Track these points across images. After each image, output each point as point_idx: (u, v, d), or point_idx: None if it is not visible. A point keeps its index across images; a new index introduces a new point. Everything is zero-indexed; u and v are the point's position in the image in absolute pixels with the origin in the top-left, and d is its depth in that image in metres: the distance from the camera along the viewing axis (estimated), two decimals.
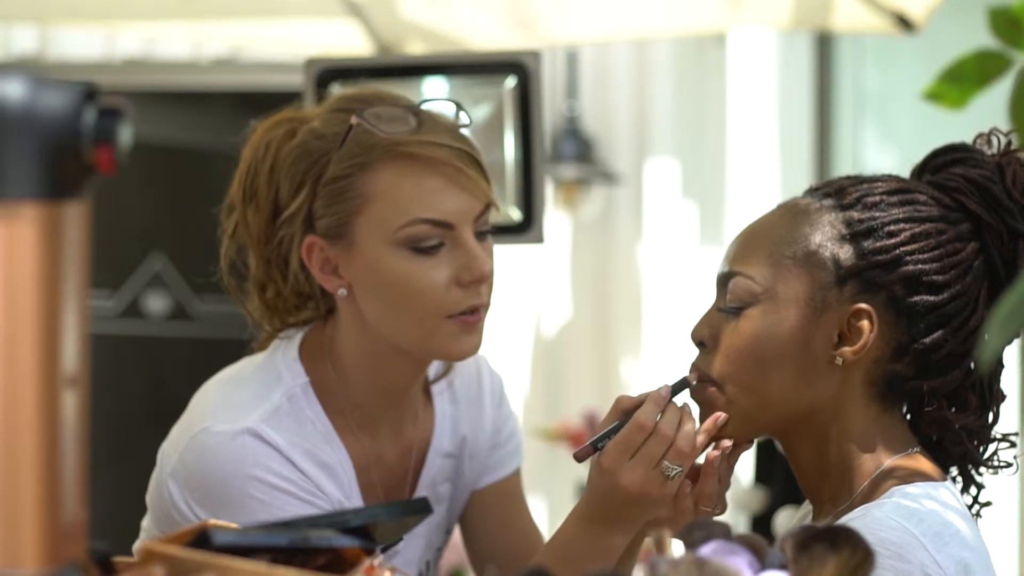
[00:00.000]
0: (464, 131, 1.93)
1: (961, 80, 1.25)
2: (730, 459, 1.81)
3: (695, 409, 1.80)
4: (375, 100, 1.92)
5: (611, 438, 1.77)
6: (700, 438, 1.77)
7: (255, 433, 1.88)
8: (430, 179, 1.87)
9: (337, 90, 2.26)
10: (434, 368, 2.04)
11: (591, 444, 1.79)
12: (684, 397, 1.81)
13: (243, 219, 1.94)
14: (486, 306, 1.90)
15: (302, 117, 1.95)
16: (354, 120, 1.87)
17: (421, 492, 2.01)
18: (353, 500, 1.94)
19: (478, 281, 1.88)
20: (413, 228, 1.86)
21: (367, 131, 1.87)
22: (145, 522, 1.98)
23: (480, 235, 1.89)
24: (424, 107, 1.93)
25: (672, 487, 1.76)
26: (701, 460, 1.81)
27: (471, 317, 1.88)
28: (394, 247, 1.87)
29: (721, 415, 1.77)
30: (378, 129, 1.87)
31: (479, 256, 1.87)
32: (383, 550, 1.83)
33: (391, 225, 1.86)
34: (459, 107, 1.94)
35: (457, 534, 2.14)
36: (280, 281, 1.94)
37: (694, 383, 1.79)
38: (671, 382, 1.80)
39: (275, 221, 1.92)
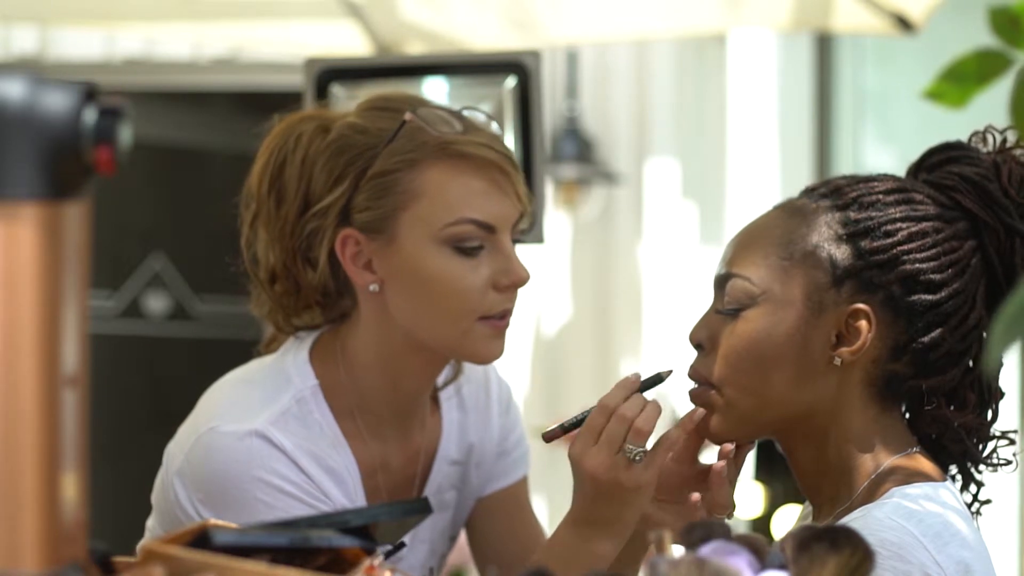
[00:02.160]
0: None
1: (961, 79, 1.25)
2: (736, 462, 1.81)
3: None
4: (414, 102, 1.93)
5: (580, 423, 1.78)
6: (676, 432, 1.77)
7: (262, 435, 1.87)
8: (478, 180, 1.88)
9: (337, 90, 2.26)
10: (443, 374, 2.04)
11: (560, 426, 1.80)
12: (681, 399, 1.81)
13: (265, 211, 1.93)
14: (512, 312, 1.92)
15: (331, 115, 1.95)
16: (408, 116, 1.88)
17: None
18: (358, 505, 1.94)
19: (515, 285, 1.89)
20: (459, 227, 1.87)
21: (419, 128, 1.88)
22: (150, 522, 1.97)
23: (512, 242, 1.91)
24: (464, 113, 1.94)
25: (641, 474, 1.75)
26: (710, 461, 1.81)
27: (501, 321, 1.90)
28: (437, 245, 1.87)
29: (699, 410, 1.77)
30: (432, 127, 1.88)
31: (517, 261, 1.89)
32: (388, 556, 1.82)
33: (437, 223, 1.87)
34: (489, 117, 1.96)
35: (461, 535, 2.13)
36: (302, 275, 1.92)
37: (667, 378, 1.80)
38: (645, 375, 1.81)
39: (304, 214, 1.91)
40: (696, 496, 1.79)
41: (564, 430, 1.80)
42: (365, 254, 1.89)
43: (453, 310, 1.88)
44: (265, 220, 1.93)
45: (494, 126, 1.95)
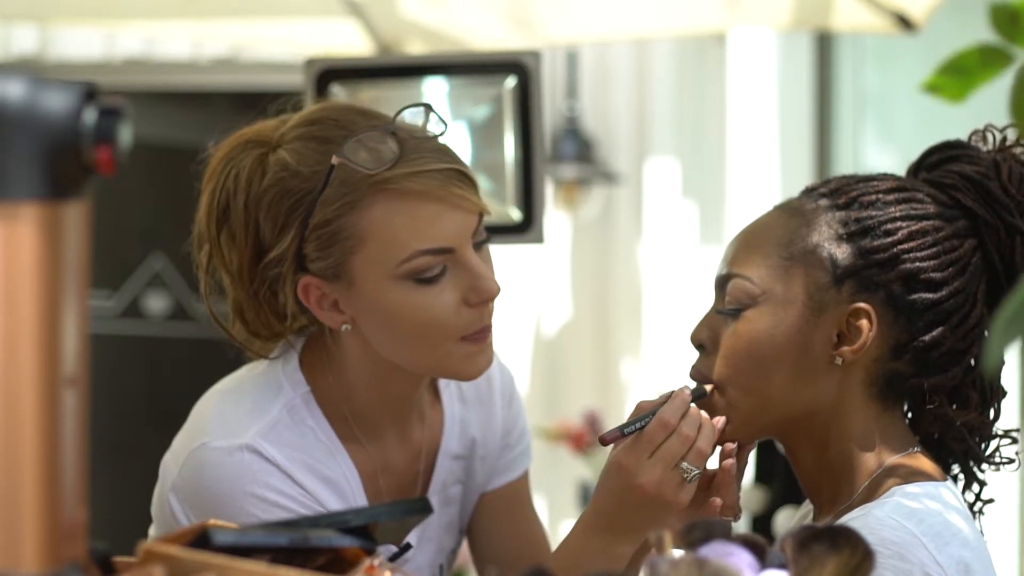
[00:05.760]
0: (444, 140, 1.86)
1: (961, 73, 1.25)
2: (739, 460, 1.81)
3: None
4: (345, 121, 1.85)
5: (639, 429, 1.76)
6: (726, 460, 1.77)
7: (253, 449, 1.85)
8: (423, 207, 1.81)
9: (337, 90, 2.25)
10: None
11: (619, 429, 1.76)
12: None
13: (218, 253, 1.89)
14: (491, 327, 1.87)
15: (267, 140, 1.87)
16: (335, 160, 1.80)
17: (432, 496, 1.98)
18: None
19: (486, 301, 1.84)
20: (414, 262, 1.81)
21: (350, 169, 1.81)
22: (152, 531, 1.96)
23: (477, 245, 1.85)
24: (399, 119, 1.85)
25: (687, 492, 1.75)
26: (713, 465, 1.80)
27: (481, 338, 1.85)
28: (397, 281, 1.82)
29: (720, 419, 1.77)
30: (361, 167, 1.80)
31: (484, 275, 1.83)
32: (395, 557, 1.82)
33: (391, 262, 1.81)
34: (429, 109, 1.86)
35: None
36: (270, 314, 1.89)
37: (708, 393, 1.78)
38: (691, 387, 1.79)
39: (259, 260, 1.86)
40: (717, 501, 1.78)
41: (624, 435, 1.76)
42: (329, 297, 1.85)
43: (429, 338, 1.83)
44: (220, 262, 1.89)
45: (433, 124, 1.86)
